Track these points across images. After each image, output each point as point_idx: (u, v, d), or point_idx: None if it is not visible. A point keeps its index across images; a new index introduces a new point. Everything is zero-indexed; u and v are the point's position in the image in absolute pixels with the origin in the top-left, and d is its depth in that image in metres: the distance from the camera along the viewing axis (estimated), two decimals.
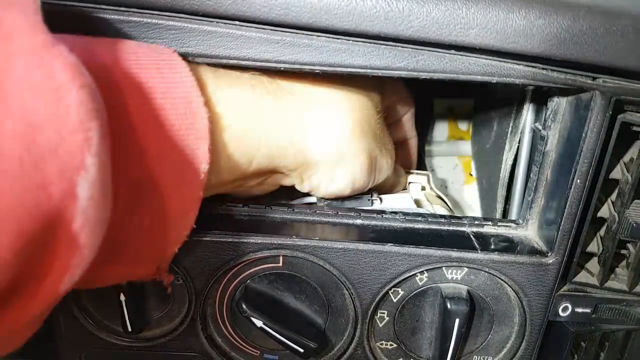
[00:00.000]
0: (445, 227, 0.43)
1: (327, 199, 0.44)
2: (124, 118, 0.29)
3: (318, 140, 0.38)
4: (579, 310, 0.43)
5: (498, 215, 0.53)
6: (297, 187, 0.42)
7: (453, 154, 0.67)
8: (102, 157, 0.25)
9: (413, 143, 0.58)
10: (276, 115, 0.37)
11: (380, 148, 0.43)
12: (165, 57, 0.31)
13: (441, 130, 0.69)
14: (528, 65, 0.35)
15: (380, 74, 0.35)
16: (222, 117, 0.35)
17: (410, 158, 0.58)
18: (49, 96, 0.23)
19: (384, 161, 0.44)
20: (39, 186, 0.22)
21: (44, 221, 0.23)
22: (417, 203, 0.48)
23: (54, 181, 0.23)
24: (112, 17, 0.33)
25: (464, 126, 0.69)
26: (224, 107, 0.35)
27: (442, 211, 0.50)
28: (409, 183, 0.53)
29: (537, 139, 0.43)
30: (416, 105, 0.57)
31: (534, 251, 0.41)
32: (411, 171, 0.55)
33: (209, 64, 0.35)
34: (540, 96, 0.44)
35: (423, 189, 0.53)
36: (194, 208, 0.34)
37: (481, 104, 0.64)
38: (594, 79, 0.35)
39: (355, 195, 0.45)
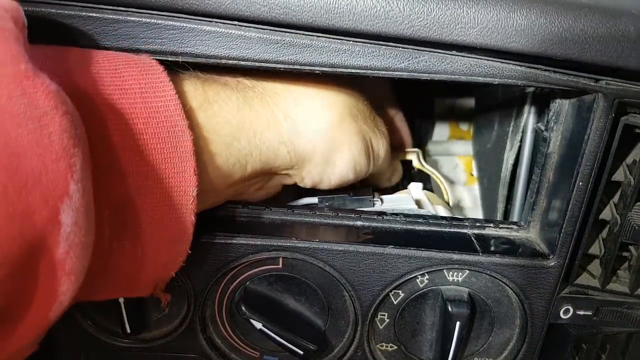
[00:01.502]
0: (447, 229, 0.43)
1: (332, 194, 0.44)
2: (105, 143, 0.29)
3: (309, 134, 0.38)
4: (581, 312, 0.42)
5: (499, 215, 0.53)
6: (300, 184, 0.42)
7: (454, 154, 0.67)
8: (85, 182, 0.25)
9: (399, 118, 0.57)
10: (263, 117, 0.37)
11: (373, 129, 0.43)
12: (150, 79, 0.31)
13: (442, 129, 0.68)
14: (530, 67, 0.35)
15: (381, 75, 0.35)
16: (210, 129, 0.34)
17: (401, 135, 0.58)
18: (32, 125, 0.22)
19: (379, 143, 0.44)
20: (23, 214, 0.22)
21: (28, 248, 0.23)
22: (418, 204, 0.48)
23: (38, 209, 0.23)
24: (111, 17, 0.33)
25: (464, 126, 0.68)
26: (211, 118, 0.34)
27: (443, 212, 0.50)
28: (410, 183, 0.53)
29: (539, 139, 0.43)
30: (417, 104, 0.57)
31: (535, 253, 0.41)
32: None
33: (205, 65, 0.35)
34: (542, 96, 0.44)
35: (424, 188, 0.53)
36: (188, 233, 0.33)
37: (482, 104, 0.63)
38: (597, 80, 0.35)
39: (357, 196, 0.45)
